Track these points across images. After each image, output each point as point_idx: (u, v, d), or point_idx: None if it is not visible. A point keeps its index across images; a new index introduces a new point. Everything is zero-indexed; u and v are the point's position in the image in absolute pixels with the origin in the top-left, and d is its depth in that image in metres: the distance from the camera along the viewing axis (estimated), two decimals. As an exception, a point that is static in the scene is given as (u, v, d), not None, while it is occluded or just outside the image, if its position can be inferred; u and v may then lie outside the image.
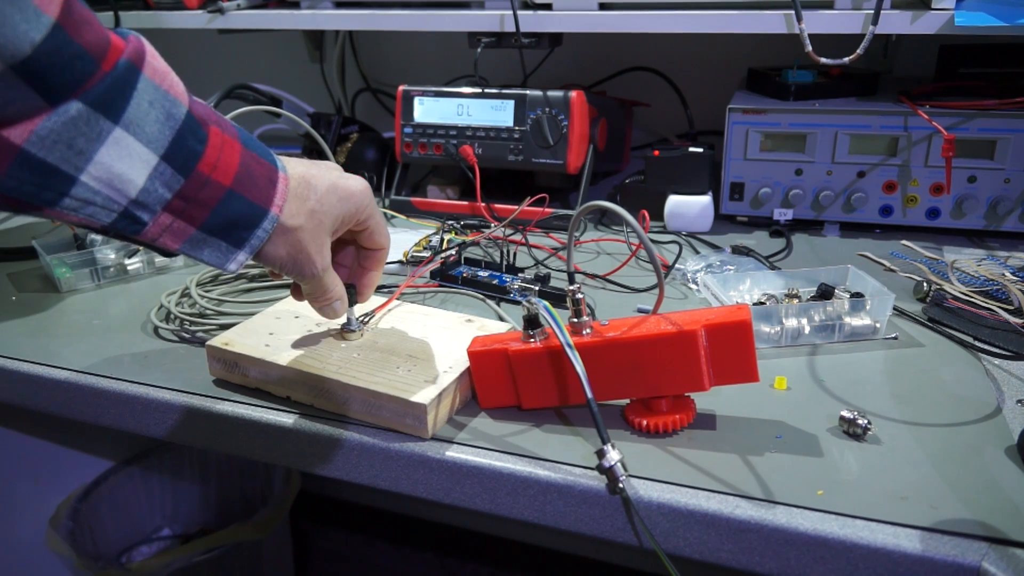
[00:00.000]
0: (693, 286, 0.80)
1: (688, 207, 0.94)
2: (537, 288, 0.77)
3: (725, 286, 0.73)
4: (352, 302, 0.63)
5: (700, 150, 0.93)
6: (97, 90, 0.41)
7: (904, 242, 0.90)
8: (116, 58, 0.42)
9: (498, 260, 0.83)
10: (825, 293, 0.70)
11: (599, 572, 1.57)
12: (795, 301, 0.70)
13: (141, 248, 0.88)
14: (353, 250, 0.62)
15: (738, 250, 0.88)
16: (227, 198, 0.48)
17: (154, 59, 0.44)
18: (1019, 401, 0.58)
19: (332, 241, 0.57)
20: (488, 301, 0.76)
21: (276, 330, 0.65)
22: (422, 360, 0.60)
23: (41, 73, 0.39)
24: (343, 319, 0.63)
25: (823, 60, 0.86)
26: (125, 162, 0.43)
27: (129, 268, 0.87)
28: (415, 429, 0.55)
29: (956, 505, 0.47)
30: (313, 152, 1.21)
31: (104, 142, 0.42)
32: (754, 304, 0.68)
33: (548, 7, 0.98)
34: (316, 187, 0.53)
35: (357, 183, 0.56)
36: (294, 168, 0.53)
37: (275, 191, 0.50)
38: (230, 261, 0.50)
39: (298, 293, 0.61)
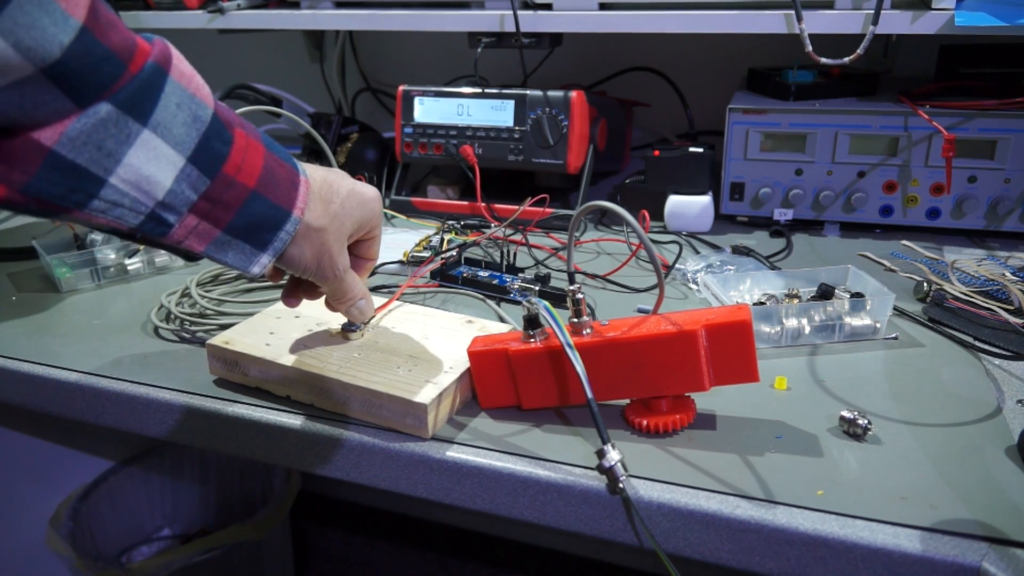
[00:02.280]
0: (693, 286, 0.80)
1: (688, 207, 0.94)
2: (537, 288, 0.77)
3: (725, 286, 0.73)
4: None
5: (700, 150, 0.93)
6: (125, 92, 0.42)
7: (904, 242, 0.90)
8: (143, 60, 0.42)
9: (498, 260, 0.83)
10: (825, 293, 0.70)
11: (599, 572, 1.57)
12: (795, 301, 0.70)
13: (142, 248, 0.88)
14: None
15: (738, 250, 0.88)
16: (251, 200, 0.48)
17: (180, 62, 0.45)
18: (1019, 401, 0.58)
19: None
20: (488, 301, 0.76)
21: (277, 329, 0.65)
22: (423, 360, 0.60)
23: (70, 75, 0.39)
24: (344, 319, 0.64)
25: (823, 60, 0.86)
26: (153, 164, 0.44)
27: (129, 268, 0.87)
28: (415, 429, 0.55)
29: (956, 505, 0.47)
30: (313, 152, 1.21)
31: (133, 144, 0.43)
32: (754, 304, 0.68)
33: (548, 7, 0.98)
34: (339, 191, 0.54)
35: (371, 191, 0.58)
36: (314, 172, 0.53)
37: (297, 194, 0.51)
38: (254, 264, 0.50)
39: (290, 299, 0.61)
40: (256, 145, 0.49)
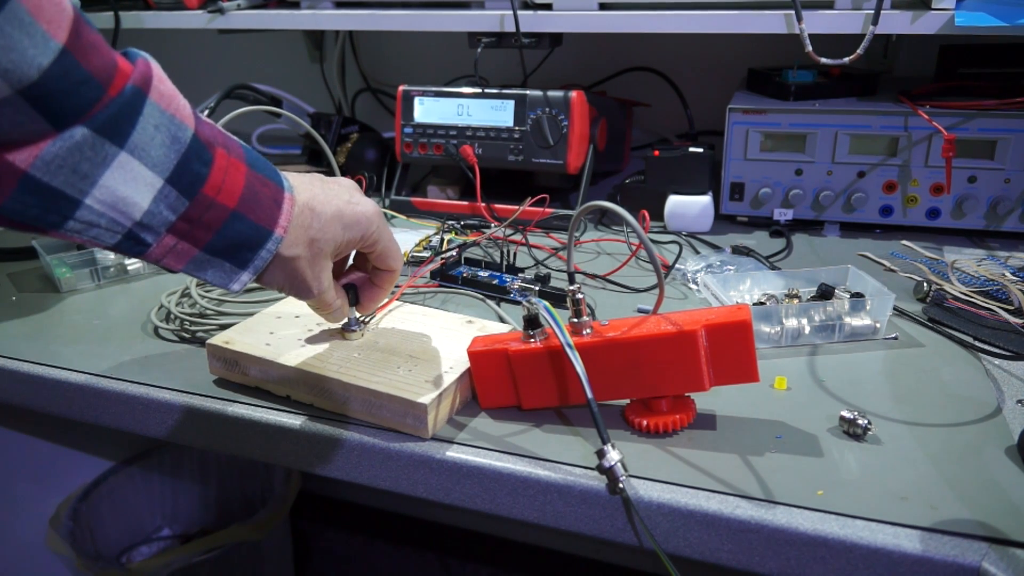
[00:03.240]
0: (693, 286, 0.80)
1: (688, 207, 0.94)
2: (537, 288, 0.77)
3: (725, 286, 0.73)
4: (353, 302, 0.63)
5: (700, 150, 0.93)
6: (103, 115, 0.41)
7: (904, 242, 0.90)
8: (123, 83, 0.42)
9: (498, 260, 0.83)
10: (825, 293, 0.70)
11: (599, 572, 1.57)
12: (795, 301, 0.70)
13: None
14: (375, 276, 0.62)
15: (738, 250, 0.88)
16: (231, 220, 0.48)
17: (161, 83, 0.44)
18: (1019, 401, 0.58)
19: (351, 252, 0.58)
20: (488, 301, 0.76)
21: (276, 329, 0.65)
22: (423, 360, 0.60)
23: (48, 98, 0.39)
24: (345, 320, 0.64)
25: (823, 60, 0.86)
26: (130, 185, 0.43)
27: (129, 268, 0.87)
28: (415, 429, 0.55)
29: (956, 505, 0.47)
30: (313, 152, 1.21)
31: (109, 166, 0.42)
32: (754, 304, 0.68)
33: (548, 7, 0.98)
34: (320, 214, 0.53)
35: (366, 208, 0.56)
36: (301, 192, 0.53)
37: (280, 212, 0.50)
38: (233, 281, 0.50)
39: None
40: (238, 164, 0.48)
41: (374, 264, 0.61)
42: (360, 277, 0.62)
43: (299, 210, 0.52)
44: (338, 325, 0.64)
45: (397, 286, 0.76)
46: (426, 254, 0.85)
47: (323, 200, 0.54)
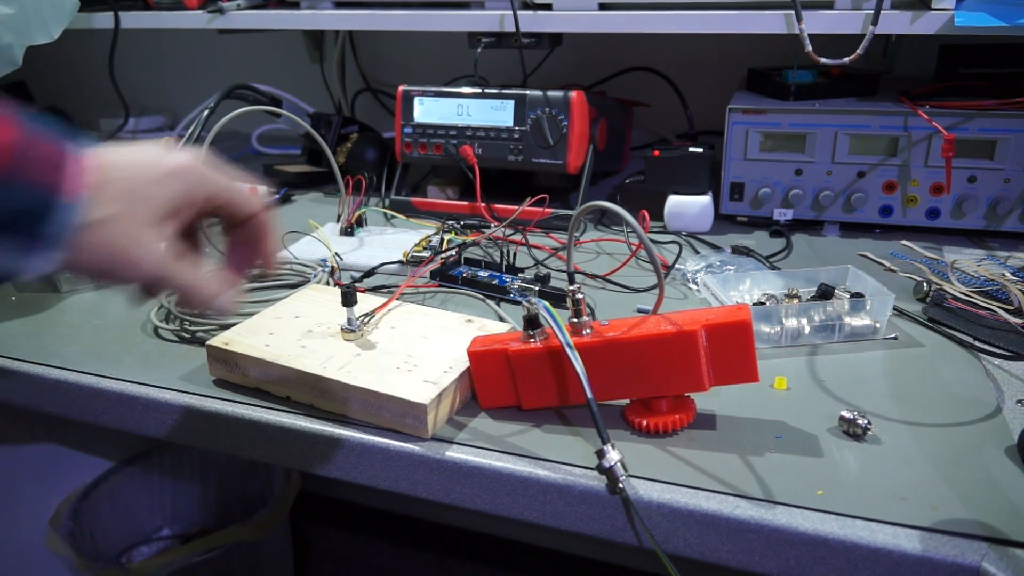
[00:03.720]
0: (693, 286, 0.80)
1: (688, 207, 0.94)
2: (537, 288, 0.77)
3: (725, 286, 0.73)
4: (352, 302, 0.63)
5: (700, 150, 0.93)
6: None
7: (904, 242, 0.90)
8: None
9: (498, 260, 0.83)
10: (825, 293, 0.70)
11: (599, 572, 1.57)
12: (795, 301, 0.71)
13: None
14: (248, 229, 0.52)
15: (738, 250, 0.88)
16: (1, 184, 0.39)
17: None
18: (1019, 401, 0.58)
19: (204, 228, 0.50)
20: (488, 301, 0.76)
21: (276, 330, 0.65)
22: (422, 360, 0.60)
23: None
24: (344, 320, 0.64)
25: (823, 60, 0.86)
26: None
27: (129, 268, 0.87)
28: (415, 429, 0.55)
29: (956, 505, 0.47)
30: (313, 152, 1.21)
31: None
32: (754, 304, 0.68)
33: (548, 7, 0.98)
34: (126, 172, 0.45)
35: (179, 159, 0.47)
36: (98, 153, 0.44)
37: (64, 173, 0.41)
38: (26, 261, 0.41)
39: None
40: (4, 122, 0.40)
41: (236, 221, 0.51)
42: (249, 250, 0.53)
43: (96, 169, 0.43)
44: (339, 323, 0.64)
45: (396, 286, 0.76)
46: (426, 254, 0.85)
47: (127, 157, 0.45)
